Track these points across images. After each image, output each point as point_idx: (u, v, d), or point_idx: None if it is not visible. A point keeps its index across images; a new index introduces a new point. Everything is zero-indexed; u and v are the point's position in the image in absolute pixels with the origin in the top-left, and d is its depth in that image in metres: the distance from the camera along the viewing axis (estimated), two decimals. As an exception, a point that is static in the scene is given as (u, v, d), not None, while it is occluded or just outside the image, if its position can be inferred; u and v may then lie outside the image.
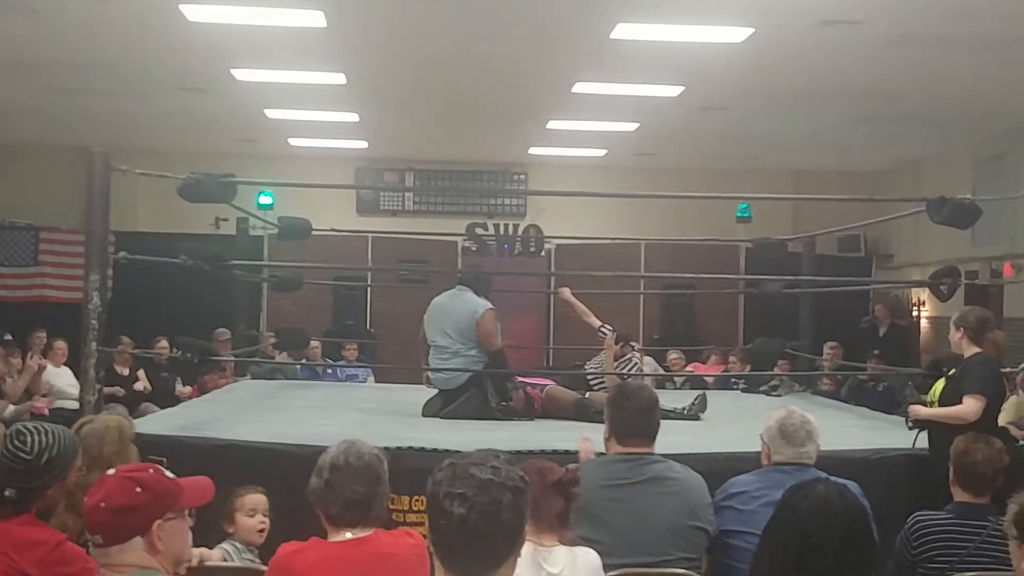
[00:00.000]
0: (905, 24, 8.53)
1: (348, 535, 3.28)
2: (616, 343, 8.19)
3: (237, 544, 4.45)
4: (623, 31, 8.79)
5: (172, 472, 5.14)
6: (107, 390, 10.12)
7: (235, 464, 5.25)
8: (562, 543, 3.36)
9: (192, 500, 3.06)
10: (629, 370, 8.39)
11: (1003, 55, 9.28)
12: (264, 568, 4.01)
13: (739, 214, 14.92)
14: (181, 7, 8.34)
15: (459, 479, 2.29)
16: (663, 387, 11.16)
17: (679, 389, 10.75)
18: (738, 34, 8.86)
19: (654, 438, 4.10)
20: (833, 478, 4.04)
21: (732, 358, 11.78)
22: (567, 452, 5.43)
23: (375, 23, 8.98)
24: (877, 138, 13.52)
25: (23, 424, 3.50)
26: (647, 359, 12.07)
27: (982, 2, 7.93)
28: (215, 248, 6.29)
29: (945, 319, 14.08)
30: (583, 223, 14.18)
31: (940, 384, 5.82)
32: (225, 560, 4.31)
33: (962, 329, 5.76)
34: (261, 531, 4.49)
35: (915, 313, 15.14)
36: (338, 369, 11.67)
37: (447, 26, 8.97)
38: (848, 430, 7.13)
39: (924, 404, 10.99)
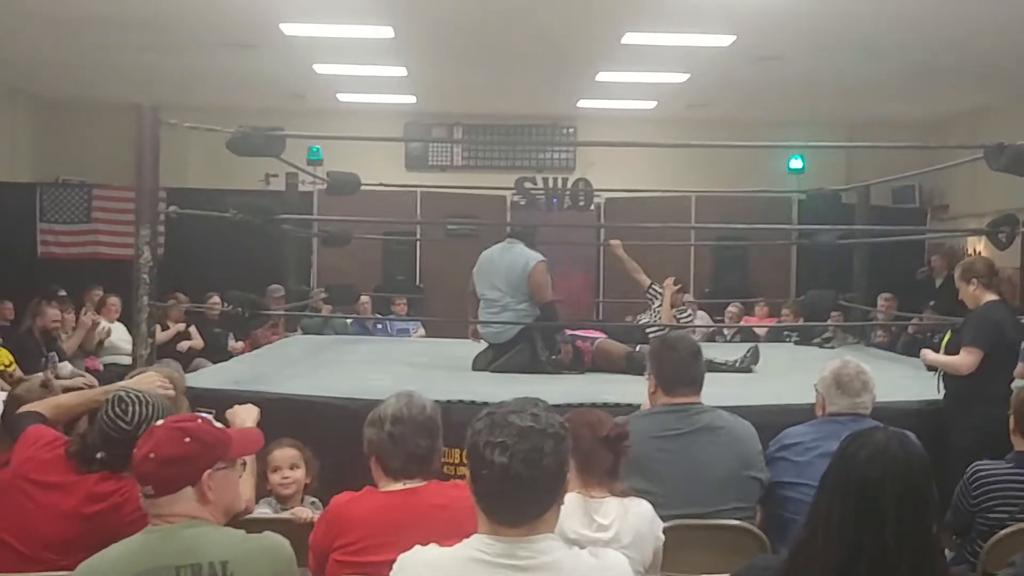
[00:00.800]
0: (963, -31, 8.32)
1: (400, 486, 3.26)
2: (675, 284, 8.19)
3: (271, 501, 4.41)
4: (673, -21, 8.66)
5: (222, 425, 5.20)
6: (165, 335, 10.31)
7: (288, 418, 5.26)
8: (613, 495, 3.34)
9: (242, 450, 3.07)
10: (683, 320, 8.37)
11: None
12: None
13: (790, 167, 14.72)
14: (228, -39, 8.33)
15: (499, 427, 2.28)
16: (714, 340, 11.11)
17: (730, 342, 10.68)
18: (791, -21, 8.70)
19: (700, 387, 4.07)
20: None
21: (786, 310, 11.67)
22: (617, 405, 5.41)
23: (422, -26, 8.91)
24: (935, 87, 13.25)
25: (125, 392, 3.54)
26: (700, 313, 12.02)
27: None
28: (264, 203, 6.29)
29: (1002, 269, 14.01)
30: (633, 176, 14.05)
31: (948, 335, 5.74)
32: None
33: (974, 280, 5.63)
34: (284, 486, 4.41)
35: (971, 265, 14.90)
36: (388, 324, 11.72)
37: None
38: (902, 381, 7.03)
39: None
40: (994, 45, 10.82)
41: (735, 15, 9.83)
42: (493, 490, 2.28)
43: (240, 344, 10.62)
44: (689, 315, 8.73)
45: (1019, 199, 12.63)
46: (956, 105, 14.66)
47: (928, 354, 5.70)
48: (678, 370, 4.07)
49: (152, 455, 2.86)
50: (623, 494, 3.35)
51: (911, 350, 10.54)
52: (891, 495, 2.38)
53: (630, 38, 10.79)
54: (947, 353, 5.58)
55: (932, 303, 11.50)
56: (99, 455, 3.42)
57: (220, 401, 5.38)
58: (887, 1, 9.21)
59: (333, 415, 5.31)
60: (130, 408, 3.45)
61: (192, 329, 10.61)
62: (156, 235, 5.67)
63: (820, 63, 11.87)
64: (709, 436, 3.94)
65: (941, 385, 5.59)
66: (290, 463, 4.46)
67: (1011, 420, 4.40)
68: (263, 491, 4.42)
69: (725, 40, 10.83)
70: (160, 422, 3.02)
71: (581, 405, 5.49)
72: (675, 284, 8.17)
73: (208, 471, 2.86)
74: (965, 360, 5.38)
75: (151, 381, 3.99)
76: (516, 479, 2.25)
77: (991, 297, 5.56)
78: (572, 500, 3.17)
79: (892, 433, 2.47)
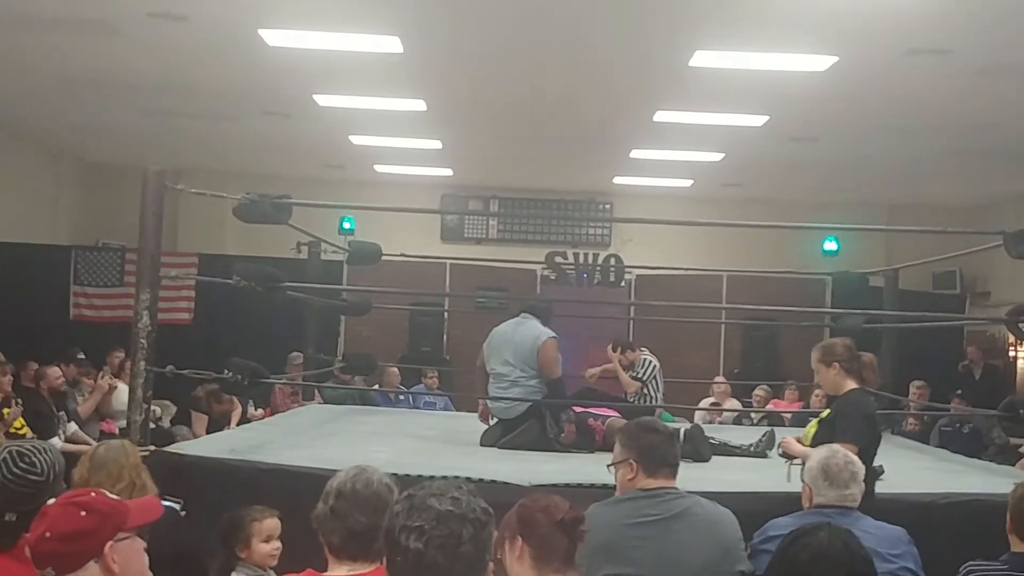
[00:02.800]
0: (995, 54, 8.24)
1: (345, 570, 3.13)
2: (615, 350, 8.16)
3: (248, 570, 4.37)
4: (702, 59, 8.64)
5: (213, 497, 5.12)
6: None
7: (278, 488, 5.18)
8: None
9: (140, 518, 2.97)
10: (646, 370, 8.39)
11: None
12: None
13: (825, 249, 14.56)
14: (260, 32, 8.44)
15: (416, 511, 2.18)
16: (740, 423, 10.92)
17: (756, 425, 10.48)
18: (821, 62, 8.65)
19: (676, 471, 3.95)
20: (871, 525, 3.88)
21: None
22: (615, 487, 5.29)
23: (451, 50, 8.97)
24: (973, 171, 13.10)
25: (18, 447, 3.35)
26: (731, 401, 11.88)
27: (1077, 30, 7.61)
28: (269, 270, 6.26)
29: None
30: (668, 255, 13.98)
31: (813, 426, 5.40)
32: None
33: (835, 365, 5.25)
34: (275, 556, 4.40)
35: (1011, 353, 14.60)
36: (412, 396, 11.64)
37: (524, 53, 8.93)
38: (921, 472, 6.84)
39: (1010, 447, 10.59)
40: (1031, 129, 10.69)
41: (767, 95, 9.80)
42: None
43: (260, 411, 10.60)
44: (650, 362, 8.78)
45: (1059, 287, 12.42)
46: (998, 190, 14.47)
47: (793, 445, 5.30)
48: (652, 455, 3.95)
49: (48, 534, 2.77)
50: None
51: (945, 441, 10.32)
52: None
53: (662, 116, 10.79)
54: (815, 445, 5.24)
55: (959, 391, 11.25)
56: (7, 517, 3.21)
57: (209, 470, 5.36)
58: (921, 84, 9.13)
59: (323, 487, 5.21)
60: (35, 459, 3.27)
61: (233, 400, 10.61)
62: (156, 300, 5.65)
63: (855, 144, 11.78)
64: (688, 522, 3.81)
65: (795, 475, 5.27)
66: (278, 532, 4.45)
67: (1008, 519, 4.21)
68: (232, 563, 4.36)
69: (758, 120, 10.79)
70: (51, 501, 2.93)
71: (580, 486, 5.42)
72: (613, 349, 8.12)
73: (110, 543, 2.77)
74: None
75: None
76: (432, 567, 2.14)
77: (852, 383, 5.22)
78: None
79: (836, 532, 2.35)
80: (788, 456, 5.34)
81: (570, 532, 3.09)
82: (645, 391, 9.03)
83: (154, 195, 5.62)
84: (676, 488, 3.90)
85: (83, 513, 2.78)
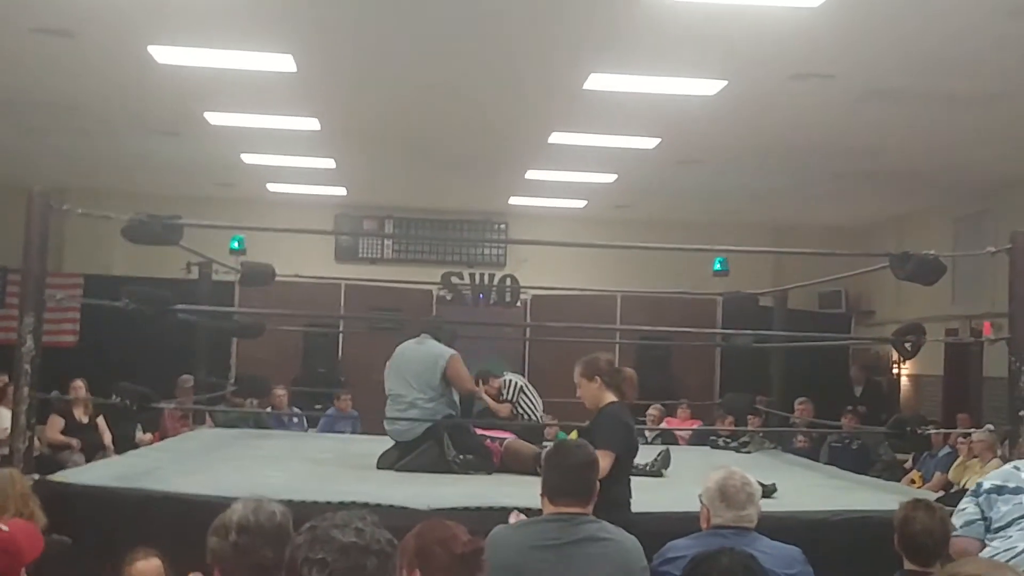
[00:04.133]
0: (878, 79, 8.48)
1: None
2: (478, 383, 8.11)
3: None
4: (596, 81, 8.73)
5: (101, 527, 4.96)
6: (60, 438, 10.00)
7: (167, 517, 5.06)
8: None
9: (32, 554, 2.88)
10: (510, 391, 8.46)
11: (979, 111, 9.23)
12: None
13: (716, 268, 14.81)
14: (150, 48, 8.27)
15: (319, 543, 2.14)
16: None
17: (650, 444, 10.56)
18: (711, 86, 8.81)
19: (588, 499, 3.90)
20: (767, 545, 3.93)
21: (730, 417, 11.50)
22: (515, 509, 5.27)
23: (345, 68, 8.91)
24: (855, 194, 13.46)
25: None
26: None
27: (955, 57, 7.87)
28: (159, 292, 6.13)
29: (926, 377, 14.16)
30: (562, 274, 14.05)
31: (575, 434, 5.56)
32: None
33: (597, 379, 5.37)
34: None
35: (895, 370, 15.02)
36: (325, 419, 11.42)
37: (417, 73, 8.90)
38: (813, 489, 6.97)
39: (897, 463, 10.87)
40: (909, 153, 11.02)
41: (659, 118, 9.93)
42: None
43: (149, 436, 10.34)
44: (514, 383, 8.76)
45: (942, 307, 12.82)
46: (882, 211, 14.91)
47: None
48: (562, 480, 3.93)
49: None
50: None
51: (834, 457, 10.55)
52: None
53: (557, 137, 10.86)
54: None
55: (850, 408, 11.52)
56: None
57: (97, 499, 5.20)
58: (806, 107, 9.35)
59: (216, 514, 5.08)
60: None
61: (100, 420, 10.30)
62: (41, 323, 5.48)
63: (742, 167, 12.03)
64: (591, 548, 3.78)
65: None
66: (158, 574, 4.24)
67: (896, 538, 4.29)
68: None
69: (650, 142, 10.94)
70: None
71: (479, 509, 5.39)
72: (476, 383, 8.11)
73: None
74: (601, 464, 5.21)
75: None
76: None
77: (612, 397, 5.35)
78: None
79: (737, 557, 2.38)
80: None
81: (470, 565, 3.05)
82: (519, 411, 8.95)
83: (39, 216, 5.46)
84: (585, 514, 3.88)
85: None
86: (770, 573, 3.31)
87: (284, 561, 3.06)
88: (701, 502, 4.09)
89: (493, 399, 8.28)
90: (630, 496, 5.24)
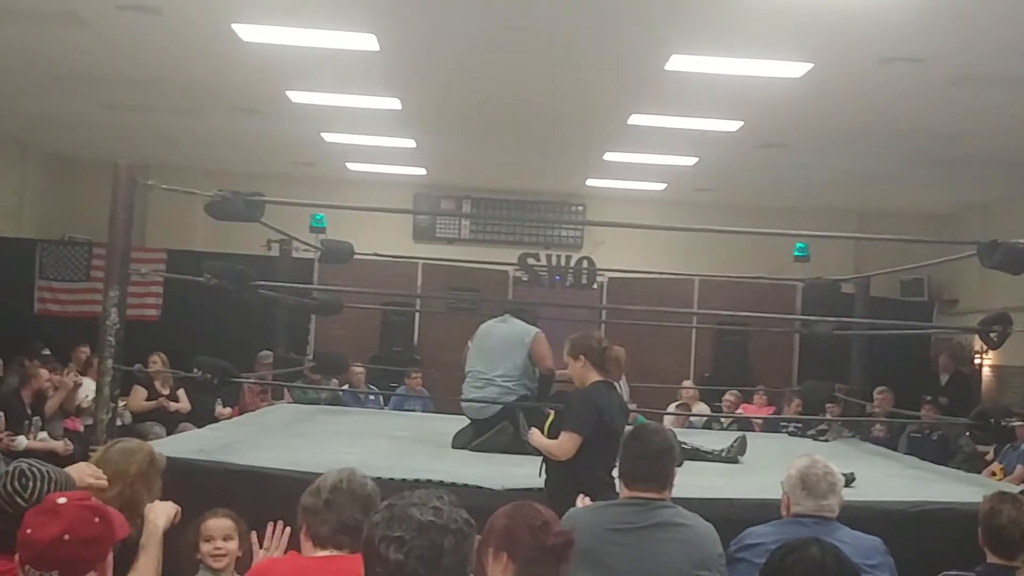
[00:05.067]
0: (968, 64, 8.28)
1: (326, 554, 3.13)
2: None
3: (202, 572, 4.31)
4: (677, 63, 8.64)
5: (181, 499, 5.06)
6: (145, 404, 10.20)
7: (248, 490, 5.13)
8: None
9: (123, 530, 2.92)
10: None
11: (1072, 97, 8.97)
12: None
13: (796, 253, 14.60)
14: (234, 26, 8.35)
15: (397, 521, 2.14)
16: (710, 427, 10.93)
17: (726, 430, 10.49)
18: (796, 69, 8.66)
19: (664, 484, 3.88)
20: (848, 535, 3.87)
21: (797, 401, 11.41)
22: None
23: (427, 49, 8.92)
24: (943, 180, 13.19)
25: (27, 465, 3.22)
26: (701, 404, 11.87)
27: (1050, 42, 7.65)
28: (239, 268, 6.20)
29: (1010, 367, 13.83)
30: (640, 257, 14.00)
31: (552, 414, 5.41)
32: None
33: (582, 357, 5.27)
34: (216, 558, 4.32)
35: (977, 361, 14.71)
36: (394, 398, 11.52)
37: (500, 55, 8.89)
38: (891, 480, 6.86)
39: (978, 455, 10.67)
40: (997, 140, 10.76)
41: (741, 101, 9.80)
42: None
43: (228, 410, 10.50)
44: None
45: (1027, 296, 12.50)
46: (968, 198, 14.59)
47: (534, 435, 5.32)
48: (638, 465, 3.92)
49: (67, 537, 2.68)
50: None
51: (914, 448, 10.37)
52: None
53: (637, 119, 10.77)
54: (549, 436, 5.21)
55: (929, 398, 11.30)
56: None
57: (178, 471, 5.27)
58: (893, 92, 9.17)
59: (294, 489, 5.14)
60: (31, 483, 3.14)
61: (180, 392, 10.47)
62: (125, 297, 5.57)
63: (826, 151, 11.83)
64: (666, 533, 3.77)
65: (543, 470, 5.25)
66: (224, 534, 4.36)
67: (980, 532, 4.22)
68: (193, 562, 4.30)
69: (732, 125, 10.80)
70: (62, 500, 2.84)
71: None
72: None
73: (111, 554, 2.72)
74: (563, 445, 5.06)
75: (82, 473, 3.79)
76: None
77: (598, 376, 5.25)
78: None
79: (827, 547, 2.33)
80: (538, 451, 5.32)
81: (560, 556, 3.04)
82: None
83: (124, 190, 5.55)
84: (662, 499, 3.86)
85: (97, 519, 2.71)
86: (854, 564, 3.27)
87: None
88: (783, 490, 4.04)
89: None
90: (609, 480, 5.00)
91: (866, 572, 3.53)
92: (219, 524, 4.37)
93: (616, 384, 5.53)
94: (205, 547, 4.33)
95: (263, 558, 3.54)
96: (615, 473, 4.20)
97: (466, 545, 2.17)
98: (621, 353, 5.51)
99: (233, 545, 4.34)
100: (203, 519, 4.34)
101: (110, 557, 2.77)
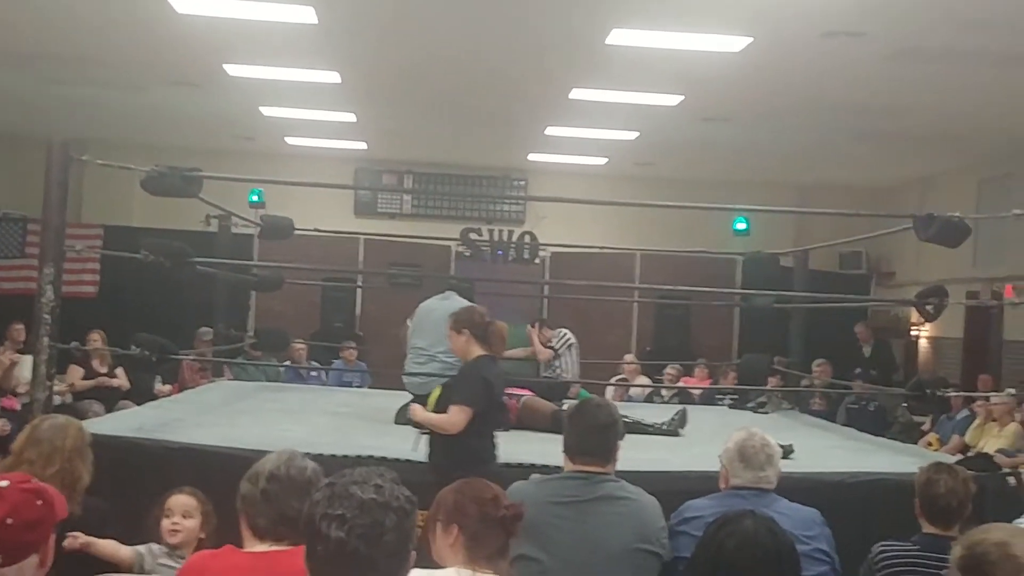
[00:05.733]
0: (909, 38, 8.35)
1: (266, 547, 3.06)
2: (533, 327, 8.54)
3: (154, 547, 4.29)
4: (618, 36, 8.63)
5: (121, 477, 5.01)
6: (84, 382, 10.06)
7: (188, 469, 5.08)
8: (497, 574, 3.16)
9: (63, 511, 2.88)
10: (561, 341, 8.91)
11: (1011, 72, 9.09)
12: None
13: (737, 228, 14.73)
14: (170, -2, 8.21)
15: (338, 499, 2.12)
16: (652, 400, 11.01)
17: (667, 403, 10.57)
18: (736, 43, 8.68)
19: (608, 458, 3.90)
20: (786, 507, 3.90)
21: (733, 374, 11.55)
22: (532, 466, 5.28)
23: (367, 22, 8.83)
24: (881, 154, 13.33)
25: None
26: (642, 378, 11.97)
27: (988, 17, 7.73)
28: (177, 245, 6.12)
29: (945, 339, 14.07)
30: (582, 232, 14.01)
31: (437, 391, 5.48)
32: (135, 559, 4.20)
33: (465, 331, 5.33)
34: (173, 532, 4.29)
35: (914, 333, 14.95)
36: (330, 372, 11.48)
37: (439, 26, 8.82)
38: (830, 451, 6.95)
39: (914, 425, 10.85)
40: (936, 114, 10.89)
41: (682, 75, 9.82)
42: (327, 568, 2.11)
43: (167, 387, 10.39)
44: (567, 338, 9.11)
45: (963, 270, 12.72)
46: (906, 172, 14.77)
47: (417, 411, 5.36)
48: (582, 439, 3.93)
49: (10, 520, 2.64)
50: (507, 574, 3.18)
51: (851, 419, 10.53)
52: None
53: (578, 93, 10.76)
54: (436, 410, 5.24)
55: (858, 371, 11.47)
56: None
57: (118, 449, 5.22)
58: (834, 66, 9.22)
59: (234, 467, 5.09)
60: None
61: (119, 370, 10.33)
62: (60, 273, 5.48)
63: (767, 126, 11.90)
64: (609, 506, 3.79)
65: (422, 445, 5.29)
66: (183, 511, 4.33)
67: (916, 502, 4.28)
68: (157, 538, 4.30)
69: (673, 99, 10.83)
70: (3, 483, 2.79)
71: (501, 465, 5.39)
72: (531, 326, 8.85)
73: (52, 535, 2.67)
74: (453, 419, 5.09)
75: None
76: (353, 556, 2.08)
77: (480, 350, 5.31)
78: None
79: (761, 520, 2.35)
80: (415, 424, 5.37)
81: (509, 528, 3.07)
82: (557, 363, 9.07)
83: (59, 166, 5.45)
84: (605, 473, 3.87)
85: (39, 502, 2.66)
86: (789, 535, 3.30)
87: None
88: (720, 462, 4.07)
89: (542, 344, 8.59)
90: (495, 450, 5.20)
91: (803, 543, 3.56)
92: (179, 501, 4.34)
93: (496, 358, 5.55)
94: (164, 522, 4.31)
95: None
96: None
97: (408, 523, 2.16)
98: (503, 328, 5.55)
99: (191, 523, 4.31)
100: (168, 494, 4.33)
101: (52, 538, 2.72)
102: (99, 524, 4.06)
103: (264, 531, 3.06)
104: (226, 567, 2.99)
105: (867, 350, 13.16)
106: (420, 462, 5.27)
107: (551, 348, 9.12)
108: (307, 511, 2.16)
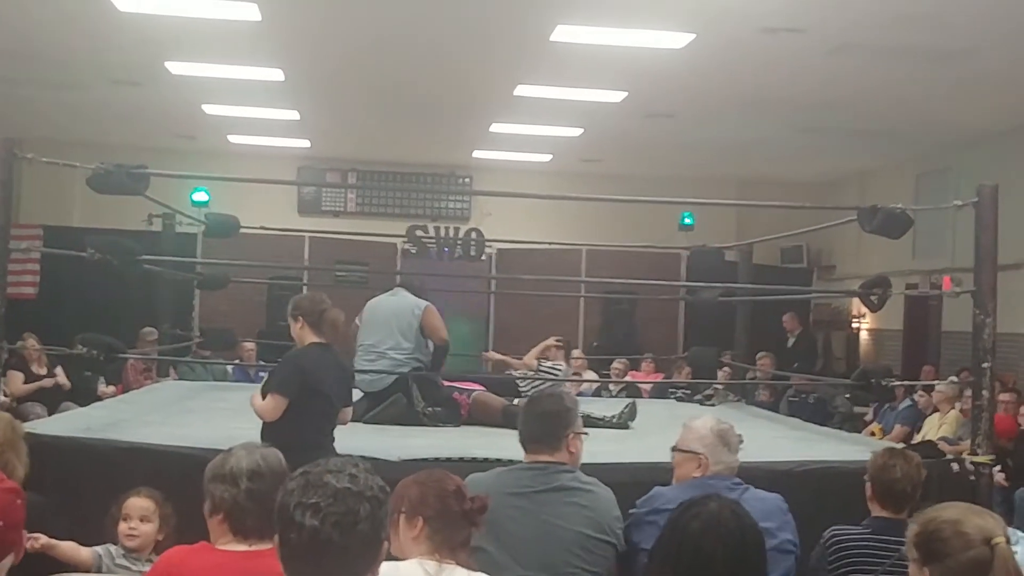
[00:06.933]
0: (847, 33, 8.49)
1: (245, 547, 3.00)
2: (560, 344, 8.21)
3: (112, 548, 4.24)
4: (562, 33, 8.68)
5: (69, 478, 4.94)
6: (26, 387, 9.93)
7: (139, 468, 5.02)
8: (460, 565, 3.18)
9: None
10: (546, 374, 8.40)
11: (947, 67, 9.27)
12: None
13: (681, 223, 14.87)
14: (111, -5, 8.13)
15: (312, 488, 2.13)
16: (599, 395, 11.06)
17: (615, 397, 10.62)
18: (679, 39, 8.78)
19: (555, 446, 3.90)
20: (751, 492, 3.95)
21: (688, 368, 11.58)
22: (485, 460, 5.28)
23: (310, 18, 8.81)
24: (821, 148, 13.52)
25: None
26: (589, 372, 11.98)
27: (926, 12, 7.89)
28: (125, 243, 6.04)
29: (886, 331, 14.30)
30: (527, 228, 14.05)
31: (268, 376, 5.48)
32: (93, 560, 4.15)
33: (300, 319, 5.28)
34: (130, 537, 4.24)
35: (855, 325, 15.17)
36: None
37: (382, 24, 8.82)
38: (777, 441, 7.03)
39: (855, 416, 11.01)
40: (875, 108, 11.06)
41: (625, 71, 9.90)
42: (301, 556, 2.12)
43: (111, 388, 10.27)
44: (559, 372, 8.72)
45: (903, 262, 12.94)
46: (846, 166, 14.98)
47: (254, 398, 5.25)
48: (530, 427, 3.95)
49: (1, 523, 2.63)
50: (467, 565, 3.19)
51: (793, 411, 10.66)
52: (724, 567, 2.28)
53: (522, 90, 10.81)
54: (264, 396, 5.17)
55: (796, 364, 11.62)
56: None
57: (65, 449, 5.15)
58: (774, 61, 9.35)
59: (187, 467, 5.05)
60: None
61: (58, 370, 10.21)
62: (5, 274, 5.39)
63: (709, 121, 12.03)
64: (564, 497, 3.80)
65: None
66: (140, 514, 4.27)
67: (868, 486, 4.36)
68: (115, 539, 4.26)
69: (617, 96, 10.91)
70: None
71: (449, 460, 5.39)
72: (557, 341, 8.15)
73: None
74: (267, 406, 5.04)
75: None
76: (327, 544, 2.09)
77: (315, 338, 5.26)
78: (414, 569, 3.02)
79: (725, 502, 2.38)
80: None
81: (473, 519, 3.08)
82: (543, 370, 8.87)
83: (2, 165, 5.36)
84: (559, 463, 3.89)
85: (19, 501, 2.65)
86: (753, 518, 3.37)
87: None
88: (692, 452, 4.05)
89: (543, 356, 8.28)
90: (323, 438, 5.07)
91: (772, 537, 3.61)
92: (136, 504, 4.28)
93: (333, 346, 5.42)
94: (122, 526, 4.25)
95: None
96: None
97: (381, 512, 2.17)
98: (339, 316, 5.49)
99: (149, 527, 4.25)
100: (126, 496, 4.26)
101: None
102: (38, 519, 3.99)
103: (251, 530, 3.01)
104: (209, 566, 2.93)
105: (791, 340, 13.25)
106: (373, 458, 5.25)
107: (542, 370, 8.94)
108: (281, 499, 2.17)
